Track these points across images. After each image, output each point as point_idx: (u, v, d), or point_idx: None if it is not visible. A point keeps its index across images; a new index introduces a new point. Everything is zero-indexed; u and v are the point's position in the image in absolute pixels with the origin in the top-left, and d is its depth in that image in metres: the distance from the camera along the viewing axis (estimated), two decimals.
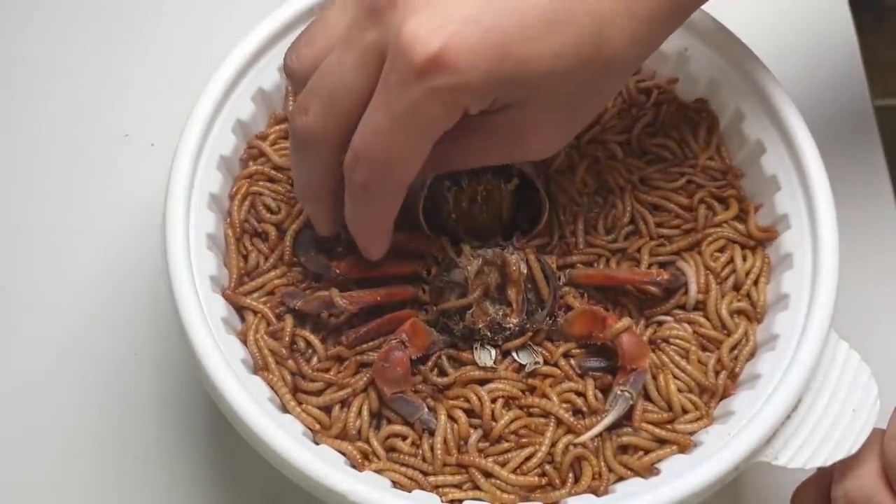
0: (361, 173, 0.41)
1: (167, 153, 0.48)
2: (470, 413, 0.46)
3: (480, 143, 0.44)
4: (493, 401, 0.47)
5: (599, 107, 0.47)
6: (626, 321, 0.47)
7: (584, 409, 0.47)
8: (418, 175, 0.42)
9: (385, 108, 0.40)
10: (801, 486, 0.47)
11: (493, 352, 0.48)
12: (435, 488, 0.45)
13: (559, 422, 0.46)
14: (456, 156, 0.45)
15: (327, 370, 0.47)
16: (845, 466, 0.44)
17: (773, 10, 0.68)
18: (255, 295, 0.49)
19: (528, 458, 0.45)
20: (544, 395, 0.47)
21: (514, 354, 0.48)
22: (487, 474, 0.45)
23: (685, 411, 0.47)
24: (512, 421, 0.46)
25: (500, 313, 0.48)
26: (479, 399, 0.46)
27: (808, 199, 0.49)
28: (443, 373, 0.48)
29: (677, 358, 0.48)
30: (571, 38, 0.41)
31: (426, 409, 0.46)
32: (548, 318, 0.48)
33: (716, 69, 0.53)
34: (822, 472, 0.46)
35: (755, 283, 0.50)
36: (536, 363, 0.48)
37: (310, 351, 0.47)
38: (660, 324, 0.49)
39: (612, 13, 0.42)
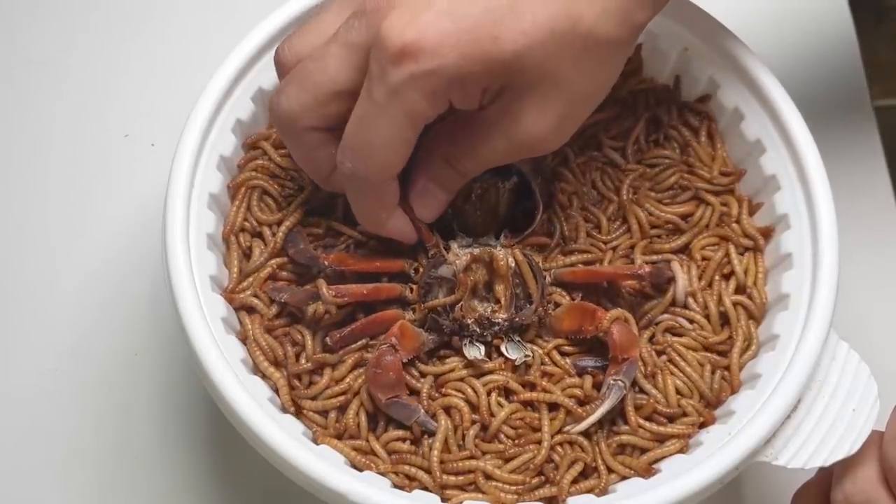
0: (347, 161, 0.44)
1: (167, 153, 0.48)
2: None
3: (485, 140, 0.45)
4: (489, 392, 0.47)
5: (598, 92, 0.46)
6: (617, 311, 0.48)
7: (583, 399, 0.47)
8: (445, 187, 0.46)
9: (366, 97, 0.42)
10: (801, 489, 0.47)
11: (482, 348, 0.48)
12: (440, 488, 0.45)
13: (555, 417, 0.46)
14: (469, 159, 0.46)
15: (321, 367, 0.47)
16: (844, 469, 0.44)
17: (773, 10, 0.68)
18: (248, 293, 0.48)
19: (529, 460, 0.45)
20: (544, 390, 0.47)
21: (504, 349, 0.48)
22: (488, 476, 0.45)
23: (685, 414, 0.47)
24: (510, 415, 0.46)
25: (489, 309, 0.48)
26: (475, 391, 0.47)
27: (808, 199, 0.49)
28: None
29: (681, 362, 0.48)
30: (543, 15, 0.42)
31: (422, 412, 0.46)
32: (537, 313, 0.48)
33: (716, 69, 0.53)
34: (821, 474, 0.46)
35: (754, 283, 0.50)
36: (526, 356, 0.48)
37: (306, 339, 0.47)
38: (657, 324, 0.50)
39: None
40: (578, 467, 0.45)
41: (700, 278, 0.50)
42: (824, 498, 0.45)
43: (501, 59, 0.41)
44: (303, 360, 0.47)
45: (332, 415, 0.46)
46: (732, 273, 0.50)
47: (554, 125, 0.45)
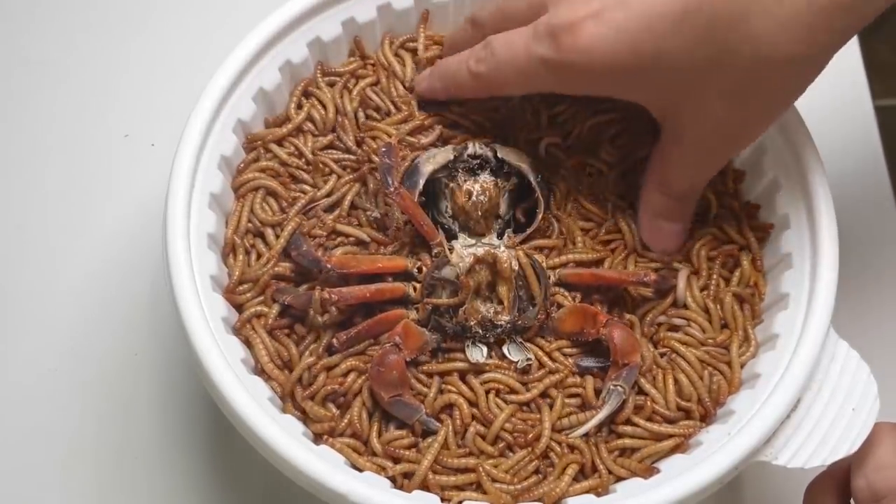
0: (483, 56, 0.49)
1: (167, 153, 0.48)
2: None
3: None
4: (488, 392, 0.47)
5: (772, 108, 0.46)
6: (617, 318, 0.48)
7: (585, 399, 0.47)
8: None
9: (516, 35, 0.47)
10: (815, 481, 0.47)
11: (485, 349, 0.48)
12: (427, 482, 0.45)
13: (554, 415, 0.46)
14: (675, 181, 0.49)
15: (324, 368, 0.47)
16: (862, 456, 0.44)
17: None
18: (250, 294, 0.49)
19: (528, 454, 0.45)
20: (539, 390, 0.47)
21: (506, 351, 0.48)
22: (490, 476, 0.45)
23: (689, 416, 0.47)
24: (510, 416, 0.46)
25: (492, 311, 0.48)
26: (474, 391, 0.46)
27: (807, 199, 0.49)
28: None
29: (681, 361, 0.48)
30: (703, 28, 0.42)
31: (424, 411, 0.46)
32: (539, 315, 0.48)
33: None
34: (834, 465, 0.46)
35: (755, 278, 0.50)
36: (528, 360, 0.48)
37: (320, 334, 0.48)
38: (659, 325, 0.50)
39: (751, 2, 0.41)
40: (575, 467, 0.45)
41: (698, 275, 0.50)
42: (842, 487, 0.45)
43: (657, 71, 0.44)
44: (307, 355, 0.47)
45: (328, 409, 0.46)
46: (737, 266, 0.50)
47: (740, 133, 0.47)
